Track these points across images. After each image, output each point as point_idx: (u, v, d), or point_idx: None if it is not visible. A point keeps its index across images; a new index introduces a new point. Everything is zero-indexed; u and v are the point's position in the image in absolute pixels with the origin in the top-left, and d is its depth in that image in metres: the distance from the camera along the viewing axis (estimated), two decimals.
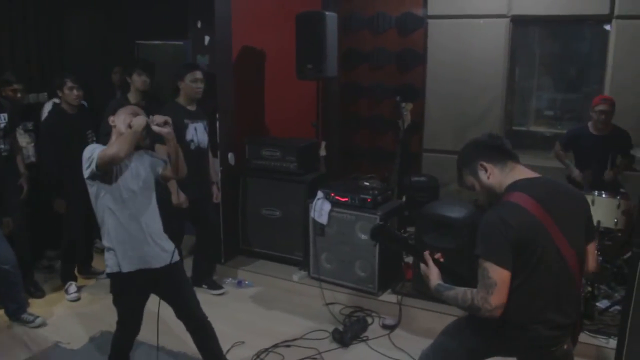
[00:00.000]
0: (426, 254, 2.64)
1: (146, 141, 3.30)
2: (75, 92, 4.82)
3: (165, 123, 3.17)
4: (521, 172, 2.47)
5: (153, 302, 3.39)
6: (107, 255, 3.26)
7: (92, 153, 3.09)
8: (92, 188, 3.18)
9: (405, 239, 2.79)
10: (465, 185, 2.61)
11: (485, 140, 2.56)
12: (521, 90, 6.74)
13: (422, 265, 2.63)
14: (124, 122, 3.19)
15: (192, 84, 4.66)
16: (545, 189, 2.40)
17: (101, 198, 3.18)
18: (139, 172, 3.27)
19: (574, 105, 6.56)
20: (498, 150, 2.50)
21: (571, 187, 2.66)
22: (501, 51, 6.23)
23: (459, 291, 2.40)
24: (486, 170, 2.48)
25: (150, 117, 3.19)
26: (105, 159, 3.04)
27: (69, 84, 4.80)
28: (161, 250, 3.31)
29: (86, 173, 3.13)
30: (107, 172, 3.12)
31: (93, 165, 3.07)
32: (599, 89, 5.97)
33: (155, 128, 3.16)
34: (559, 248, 2.32)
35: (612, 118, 5.12)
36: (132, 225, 3.21)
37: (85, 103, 5.18)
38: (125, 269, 3.22)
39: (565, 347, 2.50)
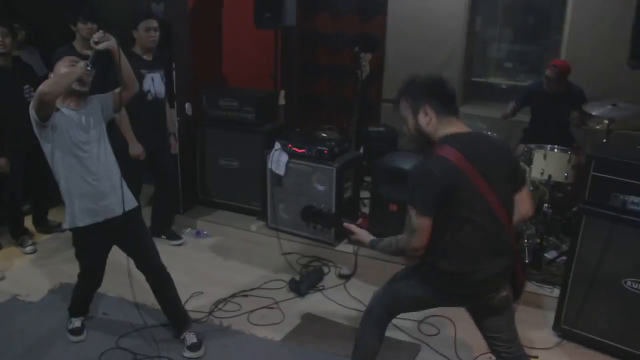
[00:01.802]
0: (347, 225, 2.86)
1: (87, 86, 3.19)
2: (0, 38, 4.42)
3: (104, 36, 3.10)
4: (456, 126, 2.55)
5: (116, 253, 3.46)
6: (67, 210, 3.26)
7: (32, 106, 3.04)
8: (46, 147, 3.14)
9: (334, 215, 3.01)
10: (399, 111, 2.65)
11: (437, 84, 2.59)
12: (481, 41, 6.77)
13: (351, 236, 2.85)
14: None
15: (145, 32, 4.54)
16: (472, 142, 2.52)
17: (56, 155, 3.14)
18: (89, 122, 3.22)
19: (533, 58, 6.62)
20: (446, 101, 2.57)
21: (497, 140, 2.83)
22: (462, 1, 6.22)
23: (386, 240, 2.64)
24: (427, 115, 2.54)
25: (91, 40, 3.14)
26: (36, 100, 2.95)
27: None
28: (121, 199, 3.32)
29: (35, 129, 3.09)
30: (46, 116, 3.02)
31: (33, 113, 3.00)
32: (558, 41, 6.03)
33: (100, 46, 3.09)
34: (485, 197, 2.45)
35: (564, 82, 5.18)
36: (90, 177, 3.20)
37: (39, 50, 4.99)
38: (86, 222, 3.23)
39: (504, 293, 2.64)
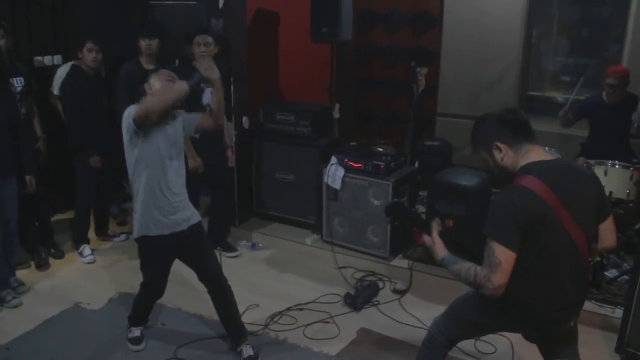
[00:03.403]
0: (434, 222, 2.68)
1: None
2: (93, 54, 4.79)
3: (212, 65, 3.28)
4: (536, 154, 2.47)
5: (177, 265, 3.56)
6: (136, 218, 3.36)
7: (130, 113, 3.14)
8: (133, 152, 3.23)
9: (417, 215, 2.88)
10: (478, 155, 2.63)
11: (503, 115, 2.54)
12: (538, 54, 6.67)
13: (427, 238, 2.67)
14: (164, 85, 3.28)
15: (197, 48, 4.65)
16: (557, 172, 2.42)
17: (141, 163, 3.24)
18: (175, 136, 3.34)
19: (592, 71, 6.47)
20: (515, 128, 2.49)
21: (583, 169, 2.69)
22: (518, 14, 6.14)
23: (463, 266, 2.44)
24: (501, 151, 2.49)
25: (200, 65, 3.29)
26: (141, 113, 3.08)
27: (89, 45, 4.77)
28: (188, 214, 3.44)
29: (127, 136, 3.19)
30: (145, 129, 3.15)
31: (131, 121, 3.11)
32: (619, 54, 5.89)
33: (210, 74, 3.26)
34: (568, 232, 2.36)
35: (624, 90, 5.06)
36: (167, 191, 3.31)
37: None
38: (154, 232, 3.33)
39: (571, 324, 2.58)
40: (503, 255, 2.29)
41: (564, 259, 2.38)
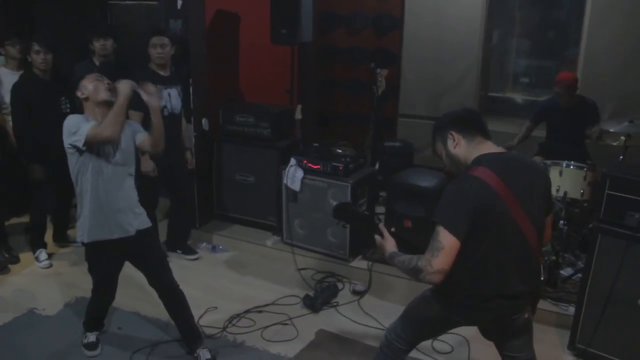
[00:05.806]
0: (381, 225, 2.71)
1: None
2: (42, 56, 4.62)
3: (156, 93, 3.27)
4: (487, 147, 2.54)
5: (131, 268, 3.51)
6: (80, 223, 3.30)
7: (79, 127, 3.07)
8: (73, 157, 3.19)
9: (366, 216, 2.87)
10: (436, 151, 2.70)
11: (461, 112, 2.65)
12: (498, 56, 6.75)
13: (377, 237, 2.69)
14: (99, 89, 3.17)
15: (153, 49, 4.61)
16: (508, 164, 2.48)
17: (81, 168, 3.19)
18: (121, 143, 3.27)
19: (550, 72, 6.57)
20: (470, 123, 2.59)
21: (533, 162, 2.76)
22: (478, 16, 6.22)
23: (407, 256, 2.45)
24: (454, 140, 2.57)
25: (141, 82, 3.21)
26: (99, 139, 3.05)
27: (35, 47, 4.60)
28: (135, 218, 3.37)
29: (68, 144, 3.13)
30: (93, 148, 3.14)
31: (80, 143, 3.06)
32: (575, 56, 5.99)
33: (146, 98, 3.20)
34: (517, 223, 2.40)
35: (573, 94, 5.16)
36: (109, 195, 3.25)
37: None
38: (97, 237, 3.27)
39: (525, 315, 2.62)
40: (447, 241, 2.30)
41: (512, 249, 2.43)
